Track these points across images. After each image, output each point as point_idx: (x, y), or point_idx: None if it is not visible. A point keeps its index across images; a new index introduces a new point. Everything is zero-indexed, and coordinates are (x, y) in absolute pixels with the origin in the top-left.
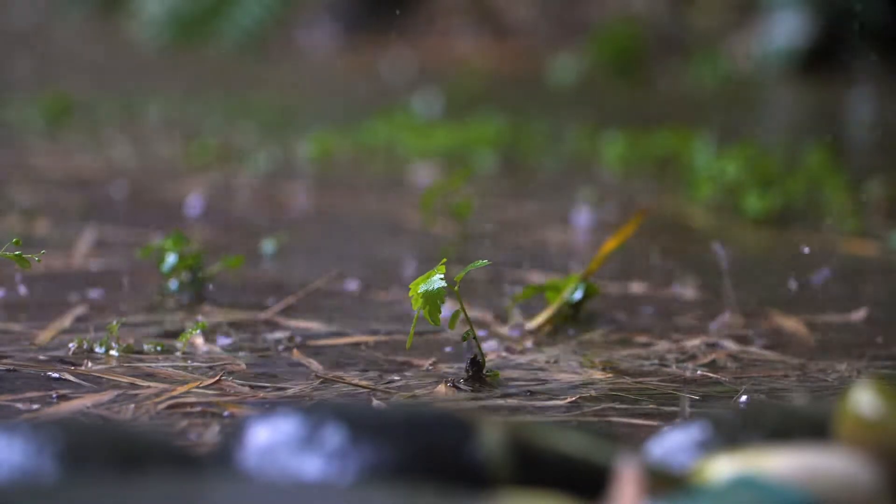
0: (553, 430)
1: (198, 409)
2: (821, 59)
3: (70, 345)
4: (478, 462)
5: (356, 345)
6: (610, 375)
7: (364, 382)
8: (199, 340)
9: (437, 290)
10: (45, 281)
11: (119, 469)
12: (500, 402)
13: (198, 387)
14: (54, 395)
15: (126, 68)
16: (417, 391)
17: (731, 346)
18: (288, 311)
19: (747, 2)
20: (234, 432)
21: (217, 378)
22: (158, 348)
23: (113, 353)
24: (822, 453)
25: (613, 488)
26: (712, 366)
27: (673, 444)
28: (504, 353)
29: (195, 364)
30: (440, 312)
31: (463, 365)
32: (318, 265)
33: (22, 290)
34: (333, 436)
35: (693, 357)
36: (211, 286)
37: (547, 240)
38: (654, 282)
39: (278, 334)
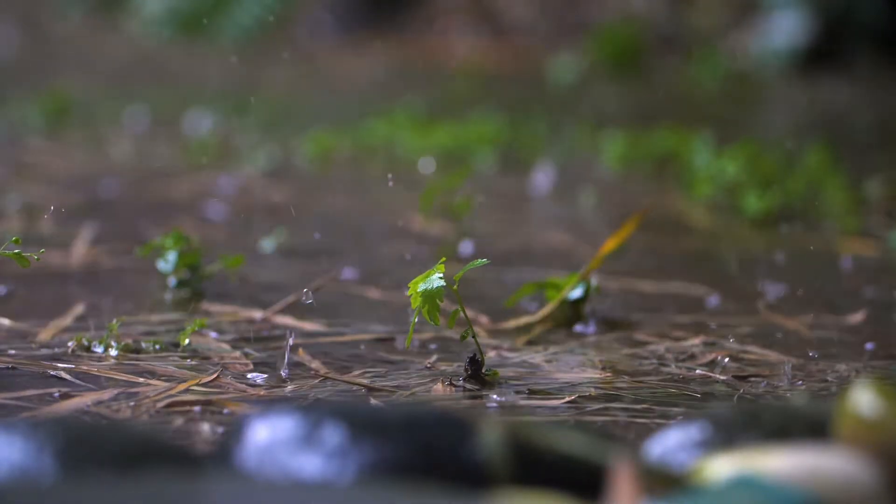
0: (552, 430)
1: (197, 407)
2: (820, 58)
3: (69, 343)
4: (477, 461)
5: (355, 343)
6: (609, 374)
7: (363, 381)
8: (199, 338)
9: (436, 289)
10: (45, 279)
11: (118, 468)
12: (500, 400)
13: (197, 385)
14: (54, 394)
15: (126, 66)
16: (416, 390)
17: (730, 345)
18: (287, 310)
19: (747, 1)
20: (234, 431)
21: (216, 376)
22: (157, 346)
23: (112, 351)
24: (822, 453)
25: (609, 487)
26: (711, 365)
27: (672, 443)
28: (503, 352)
29: (194, 362)
30: (439, 311)
31: (462, 364)
32: (317, 264)
33: (22, 288)
34: (333, 435)
35: (692, 356)
36: (210, 285)
37: (547, 239)
38: (654, 281)
39: (278, 333)
